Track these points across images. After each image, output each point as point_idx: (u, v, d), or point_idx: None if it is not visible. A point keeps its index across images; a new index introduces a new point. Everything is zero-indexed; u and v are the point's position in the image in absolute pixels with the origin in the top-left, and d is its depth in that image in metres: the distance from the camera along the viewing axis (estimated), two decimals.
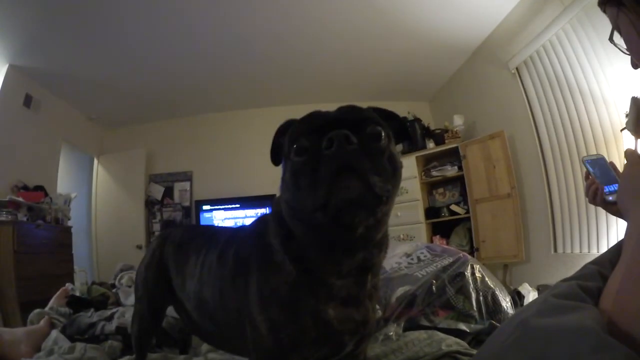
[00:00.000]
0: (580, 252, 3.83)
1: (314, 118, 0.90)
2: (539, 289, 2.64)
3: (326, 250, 0.92)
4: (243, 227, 1.29)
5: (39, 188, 5.26)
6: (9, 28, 4.31)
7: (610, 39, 1.23)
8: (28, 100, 5.36)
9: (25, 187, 5.09)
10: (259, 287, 0.99)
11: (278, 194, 1.00)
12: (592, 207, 3.66)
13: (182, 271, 1.38)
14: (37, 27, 4.35)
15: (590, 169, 1.20)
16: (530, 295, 2.36)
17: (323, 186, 0.77)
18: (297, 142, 0.85)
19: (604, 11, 1.20)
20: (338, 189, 0.76)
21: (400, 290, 1.80)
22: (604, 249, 3.27)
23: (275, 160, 1.03)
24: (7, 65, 4.97)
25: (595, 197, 1.19)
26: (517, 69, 4.54)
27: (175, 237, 1.53)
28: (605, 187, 1.16)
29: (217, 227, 1.58)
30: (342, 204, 0.77)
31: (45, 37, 4.56)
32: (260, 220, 1.14)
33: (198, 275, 1.28)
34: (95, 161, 7.24)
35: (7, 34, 4.41)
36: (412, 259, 2.03)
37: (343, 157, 0.76)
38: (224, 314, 1.16)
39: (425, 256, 2.03)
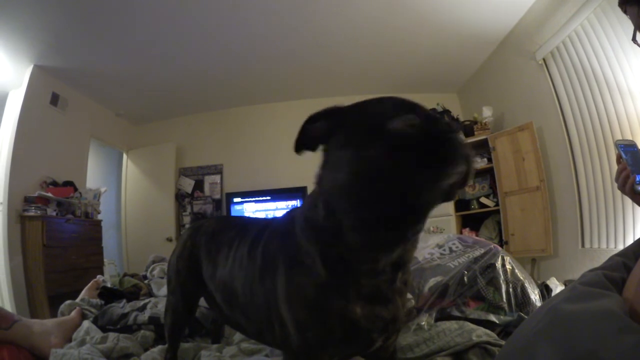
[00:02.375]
0: (607, 247, 3.76)
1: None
2: (566, 284, 2.61)
3: (372, 246, 0.88)
4: (273, 220, 1.27)
5: (68, 183, 5.37)
6: (32, 30, 4.38)
7: (633, 39, 1.22)
8: (55, 99, 5.46)
9: (54, 183, 5.19)
10: (286, 286, 0.99)
11: (315, 188, 0.97)
12: (620, 201, 3.61)
13: (213, 262, 1.38)
14: (60, 27, 4.41)
15: (623, 155, 1.17)
16: (558, 289, 2.33)
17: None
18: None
19: (625, 12, 1.19)
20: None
21: (432, 281, 1.79)
22: None
23: (301, 148, 0.95)
24: (32, 66, 5.05)
25: (625, 184, 1.18)
26: (544, 59, 4.47)
27: (208, 228, 1.52)
28: (637, 176, 1.14)
29: (249, 218, 1.53)
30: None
31: (68, 37, 4.63)
32: (288, 216, 1.12)
33: (229, 268, 1.28)
34: (125, 156, 7.37)
35: (30, 35, 4.49)
36: (444, 250, 2.02)
37: None
38: (254, 308, 1.16)
39: (457, 247, 2.02)
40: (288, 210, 1.21)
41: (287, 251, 1.02)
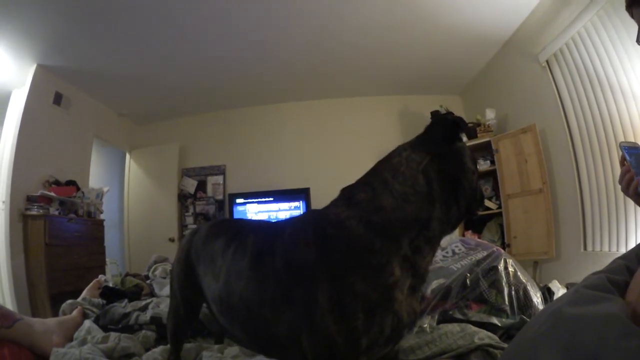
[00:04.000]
0: (610, 251, 3.75)
1: None
2: (568, 287, 2.60)
3: (449, 230, 1.10)
4: (281, 228, 1.17)
5: (71, 183, 5.38)
6: (35, 29, 4.38)
7: (638, 41, 1.22)
8: (58, 98, 5.46)
9: (57, 182, 5.20)
10: (340, 295, 0.93)
11: (402, 185, 1.02)
12: (622, 205, 3.60)
13: (207, 272, 1.33)
14: (63, 26, 4.41)
15: (627, 157, 1.15)
16: (560, 292, 2.32)
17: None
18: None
19: (632, 15, 1.19)
20: None
21: (435, 283, 1.79)
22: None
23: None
24: (35, 65, 5.05)
25: (629, 187, 1.17)
26: (547, 62, 4.46)
27: (202, 232, 1.47)
28: None
29: (242, 224, 1.45)
30: None
31: (72, 36, 4.63)
32: (328, 220, 1.04)
33: (224, 280, 1.22)
34: (128, 156, 7.40)
35: (34, 35, 4.48)
36: (447, 252, 2.02)
37: None
38: (264, 324, 1.08)
39: (459, 249, 2.01)
40: (303, 216, 1.18)
41: (337, 257, 0.97)
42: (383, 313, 0.93)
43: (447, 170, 1.04)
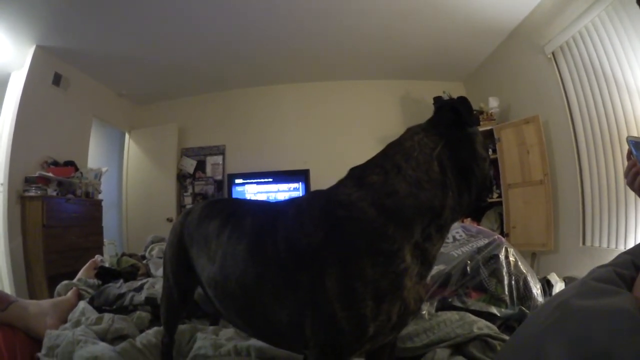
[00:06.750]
0: (609, 247, 3.75)
1: None
2: (565, 280, 2.60)
3: (460, 216, 1.08)
4: (284, 207, 1.15)
5: (70, 163, 5.36)
6: (34, 10, 4.33)
7: None
8: (57, 79, 5.43)
9: (55, 163, 5.18)
10: (349, 281, 0.91)
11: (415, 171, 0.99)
12: (623, 200, 3.58)
13: (201, 255, 1.28)
14: (62, 7, 4.34)
15: (634, 151, 1.14)
16: (558, 285, 2.31)
17: None
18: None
19: None
20: None
21: (434, 269, 1.76)
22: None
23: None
24: (34, 47, 5.01)
25: (634, 181, 1.15)
26: (553, 54, 4.43)
27: (195, 214, 1.42)
28: None
29: (242, 202, 1.40)
30: None
31: (71, 17, 4.57)
32: (338, 201, 1.00)
33: (219, 263, 1.17)
34: (127, 136, 7.37)
35: (33, 16, 4.43)
36: (447, 238, 1.98)
37: None
38: (264, 311, 1.06)
39: (460, 236, 2.00)
40: (307, 196, 1.13)
41: (349, 242, 0.94)
42: (392, 300, 0.92)
43: (459, 157, 1.02)
